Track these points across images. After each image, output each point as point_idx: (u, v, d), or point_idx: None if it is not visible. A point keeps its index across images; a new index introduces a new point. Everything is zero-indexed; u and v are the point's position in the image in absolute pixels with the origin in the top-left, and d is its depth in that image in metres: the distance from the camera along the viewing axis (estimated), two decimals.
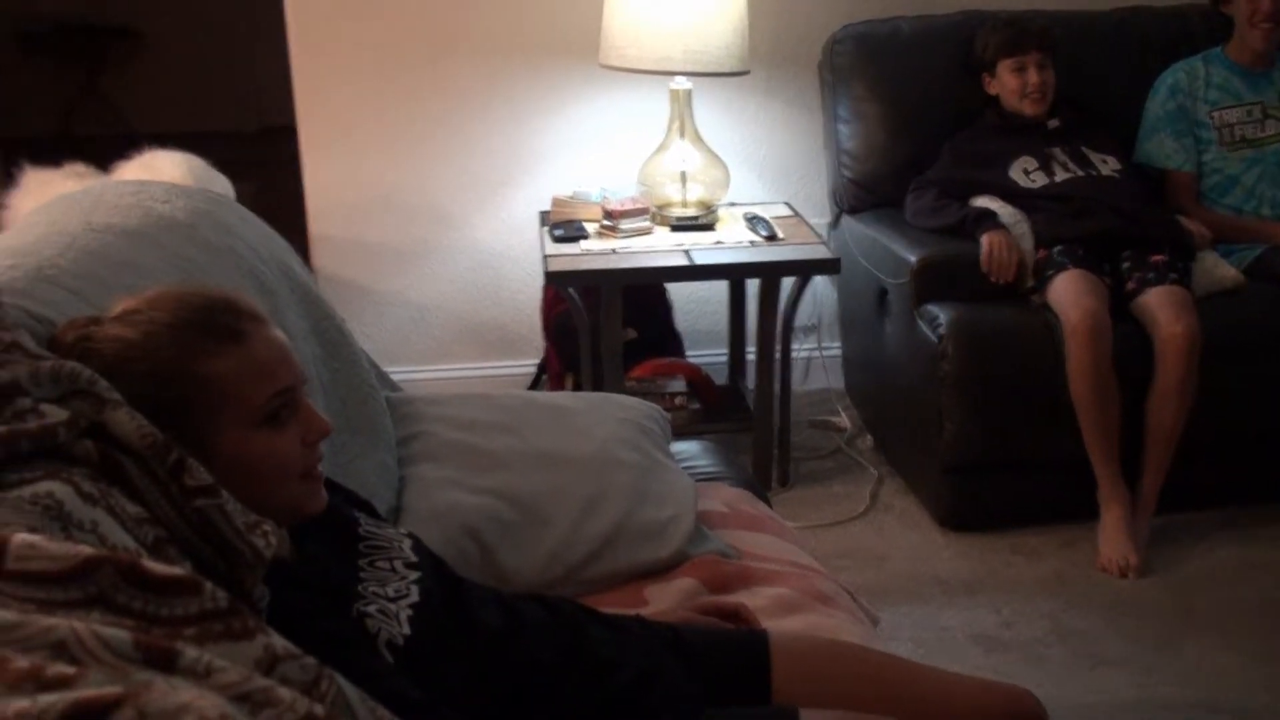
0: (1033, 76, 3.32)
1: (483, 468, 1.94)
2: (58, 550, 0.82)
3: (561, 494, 1.91)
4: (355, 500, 1.59)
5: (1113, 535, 2.98)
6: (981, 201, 3.24)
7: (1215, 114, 3.45)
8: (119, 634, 0.73)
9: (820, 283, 3.65)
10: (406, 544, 1.51)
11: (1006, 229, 3.13)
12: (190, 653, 0.74)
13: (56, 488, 1.05)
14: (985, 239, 3.08)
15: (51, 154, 3.23)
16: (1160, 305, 2.99)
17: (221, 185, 3.00)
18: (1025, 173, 3.28)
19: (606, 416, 2.11)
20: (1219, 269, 3.21)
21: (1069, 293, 2.97)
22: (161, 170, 2.92)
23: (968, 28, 3.50)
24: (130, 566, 0.82)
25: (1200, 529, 3.12)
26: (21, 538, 0.82)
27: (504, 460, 1.96)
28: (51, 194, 2.38)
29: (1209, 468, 3.13)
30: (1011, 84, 3.34)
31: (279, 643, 0.85)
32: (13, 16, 6.62)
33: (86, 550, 0.83)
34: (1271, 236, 3.33)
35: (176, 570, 0.84)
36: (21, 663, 0.67)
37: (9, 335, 1.25)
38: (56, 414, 1.16)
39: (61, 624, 0.72)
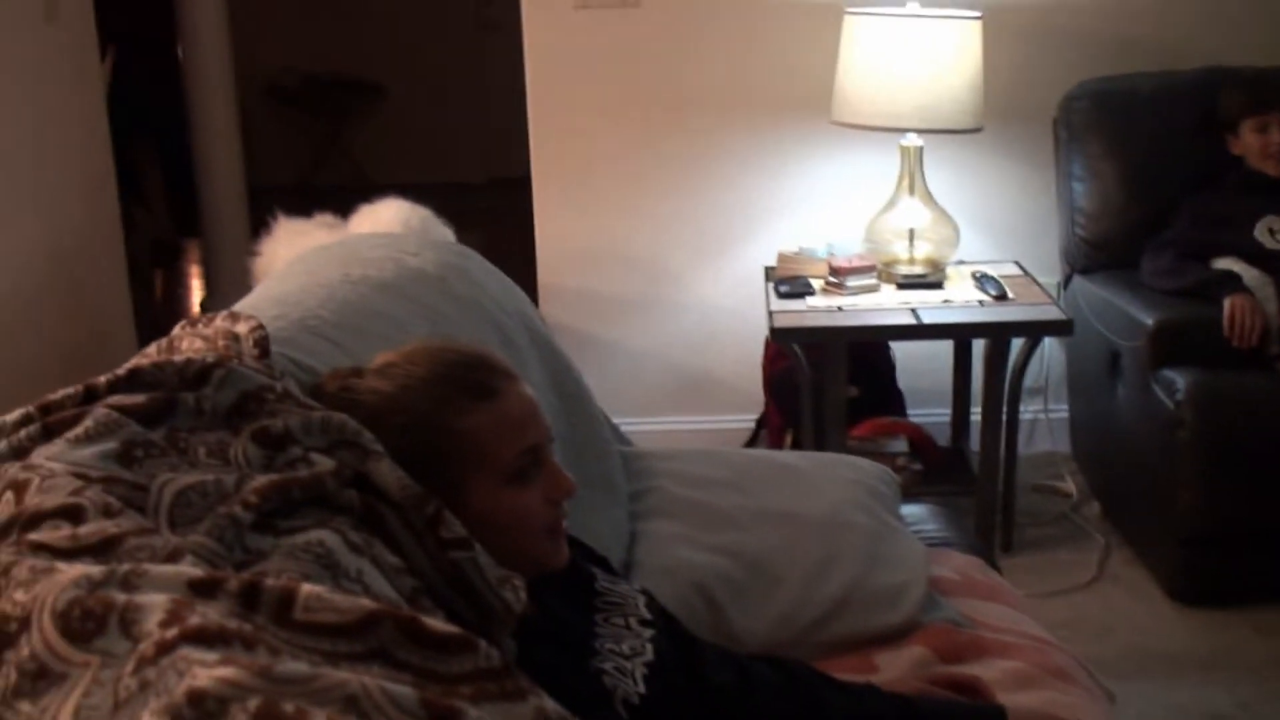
0: (1277, 135, 3.21)
1: (714, 525, 1.95)
2: (343, 603, 0.85)
3: (792, 554, 1.90)
4: (591, 555, 1.61)
5: None
6: (1223, 263, 3.14)
7: None
8: (405, 691, 0.76)
9: (1048, 343, 3.58)
10: (641, 601, 1.52)
11: (1251, 292, 3.01)
12: (472, 712, 0.76)
13: (327, 536, 1.09)
14: (1228, 302, 2.98)
15: (296, 203, 3.39)
16: None
17: (441, 233, 3.11)
18: (1271, 233, 3.16)
19: (837, 477, 2.10)
20: None
21: None
22: (385, 218, 3.04)
23: (1210, 85, 3.39)
24: (410, 622, 0.85)
25: None
26: (310, 588, 0.86)
27: (734, 518, 1.96)
28: (303, 243, 2.50)
29: None
30: (1255, 144, 3.24)
31: (550, 705, 0.86)
32: (265, 71, 6.98)
33: (370, 604, 0.86)
34: None
35: (453, 628, 0.87)
36: (318, 716, 0.70)
37: (281, 384, 1.31)
38: (324, 463, 1.21)
39: (352, 679, 0.75)
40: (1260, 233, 3.17)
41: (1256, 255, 3.13)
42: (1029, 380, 3.58)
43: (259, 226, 3.28)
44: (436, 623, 0.86)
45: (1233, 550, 3.00)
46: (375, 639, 0.84)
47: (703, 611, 1.80)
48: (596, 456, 1.97)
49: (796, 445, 3.31)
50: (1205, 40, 3.60)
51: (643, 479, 2.06)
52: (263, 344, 1.42)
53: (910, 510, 2.35)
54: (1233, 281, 3.04)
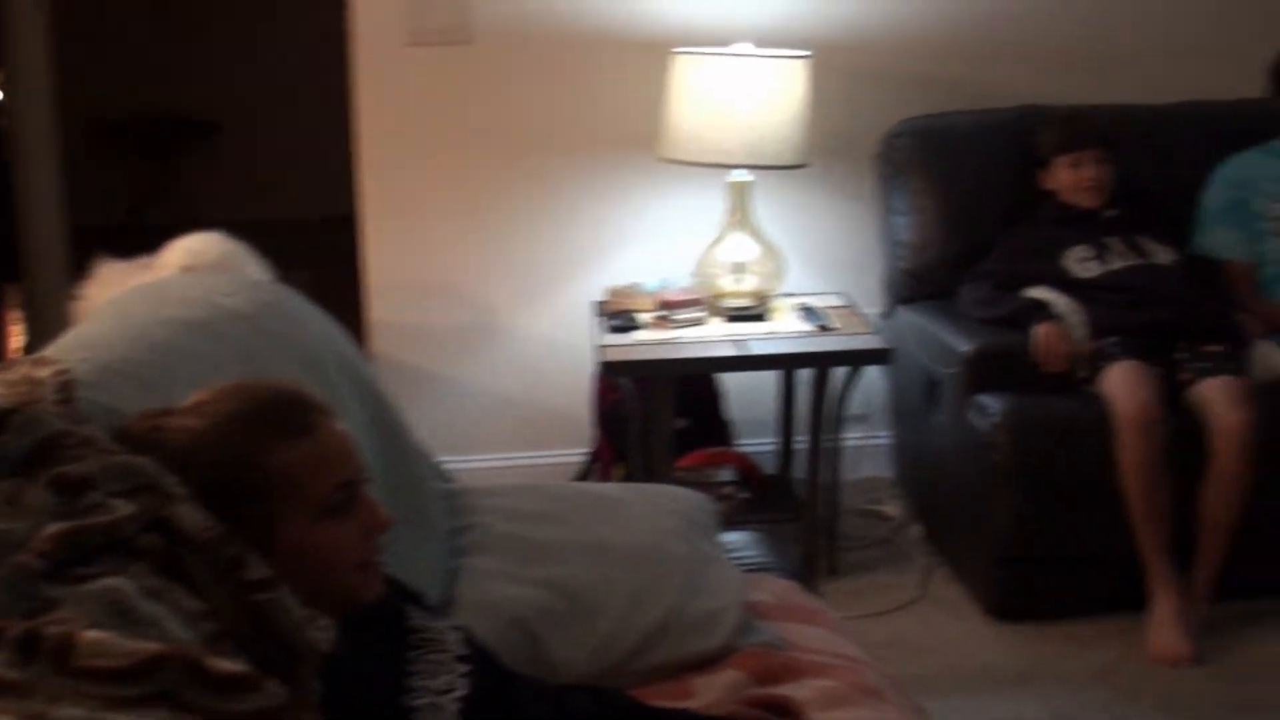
0: (1088, 171, 3.34)
1: (534, 559, 1.97)
2: (126, 647, 0.86)
3: (611, 585, 1.94)
4: (406, 593, 1.62)
5: (1165, 626, 2.96)
6: (1036, 292, 3.25)
7: (1273, 205, 3.46)
8: None
9: (872, 372, 3.66)
10: (457, 637, 1.53)
11: (1059, 319, 3.14)
12: None
13: (121, 583, 1.09)
14: (1038, 329, 3.10)
15: (124, 243, 3.32)
16: (1216, 396, 2.99)
17: (254, 270, 3.07)
18: (1080, 262, 3.29)
19: (657, 508, 2.14)
20: (1274, 358, 3.19)
21: (1122, 384, 2.98)
22: (197, 251, 2.99)
23: (1025, 123, 3.52)
24: (194, 663, 0.86)
25: (1255, 619, 3.09)
26: (90, 634, 0.86)
27: (555, 552, 1.99)
28: (123, 285, 2.46)
29: (1263, 557, 3.09)
30: (1067, 178, 3.37)
31: None
32: (93, 108, 6.81)
33: (153, 647, 0.87)
34: None
35: (238, 667, 0.88)
36: None
37: (83, 430, 1.30)
38: (124, 508, 1.21)
39: None
40: (1070, 262, 3.30)
41: (1067, 284, 3.26)
42: (854, 408, 3.67)
43: (83, 269, 3.21)
44: (223, 663, 0.87)
45: (1046, 567, 3.11)
46: (160, 681, 0.85)
47: (522, 645, 1.82)
48: (414, 494, 1.98)
49: (628, 477, 3.35)
50: (1020, 80, 3.76)
51: (464, 515, 2.08)
52: (67, 388, 1.41)
53: (731, 538, 2.40)
54: (1043, 310, 3.17)
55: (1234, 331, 3.19)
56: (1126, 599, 3.04)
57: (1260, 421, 2.93)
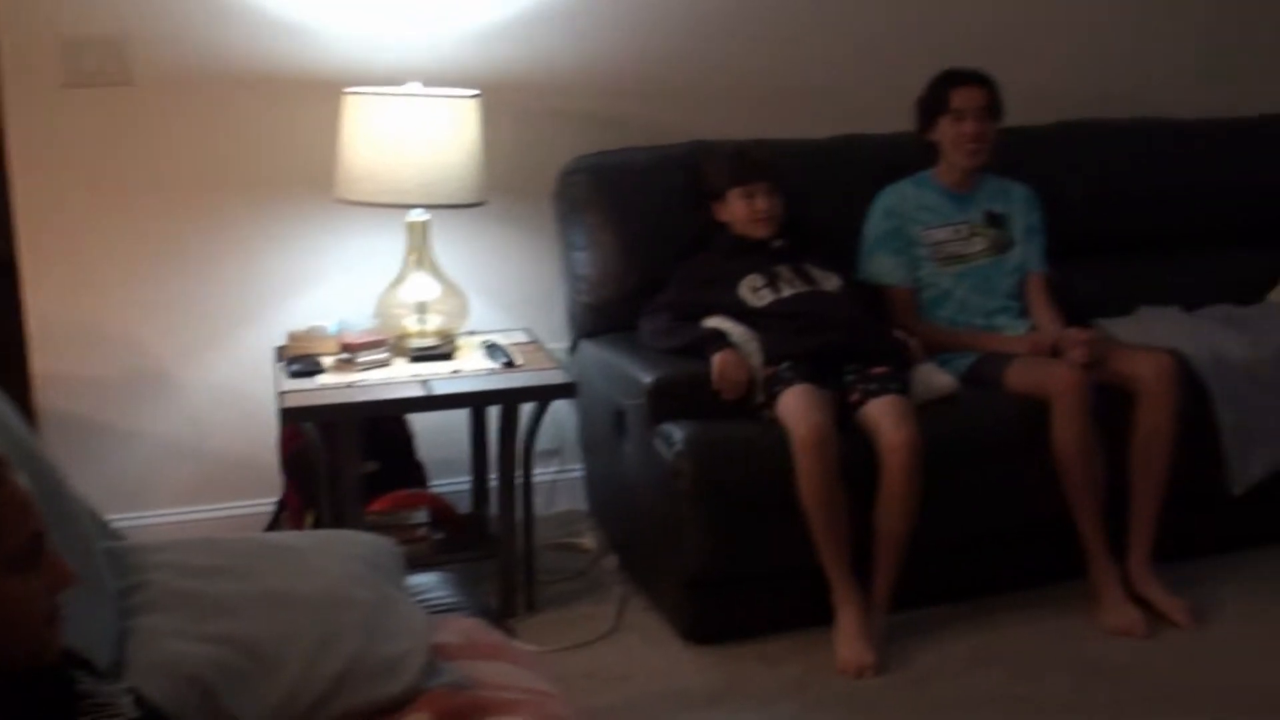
0: (760, 202, 3.47)
1: (210, 615, 1.90)
2: None
3: (292, 636, 1.88)
4: (73, 658, 1.54)
5: (848, 637, 3.08)
6: (713, 322, 3.35)
7: (927, 233, 3.67)
8: None
9: (562, 406, 3.71)
10: (129, 700, 1.47)
11: (736, 347, 3.24)
12: None
13: None
14: (715, 358, 3.19)
15: None
16: (882, 415, 3.14)
17: None
18: (753, 291, 3.41)
19: (337, 554, 2.10)
20: (935, 378, 3.38)
21: (796, 407, 3.09)
22: None
23: (696, 157, 3.64)
24: None
25: (932, 625, 3.25)
26: None
27: (232, 606, 1.92)
28: None
29: (936, 565, 3.27)
30: (741, 210, 3.48)
31: None
32: None
33: None
34: (983, 345, 3.54)
35: None
36: None
37: None
38: None
39: None
40: (743, 291, 3.41)
41: (741, 312, 3.37)
42: (547, 442, 3.70)
43: None
44: None
45: (736, 588, 3.20)
46: None
47: (198, 704, 1.75)
48: (78, 554, 1.88)
49: (318, 524, 3.28)
50: (689, 118, 3.88)
51: (134, 574, 1.98)
52: None
53: (422, 579, 2.38)
54: (720, 339, 3.27)
55: (898, 353, 3.36)
56: (814, 614, 3.16)
57: (924, 438, 3.09)
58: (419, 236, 3.36)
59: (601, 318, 3.61)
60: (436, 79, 3.48)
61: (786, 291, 3.40)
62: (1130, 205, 4.14)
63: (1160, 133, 4.26)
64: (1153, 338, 3.64)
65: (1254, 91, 4.54)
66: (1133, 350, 3.46)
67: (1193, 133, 4.29)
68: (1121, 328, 3.77)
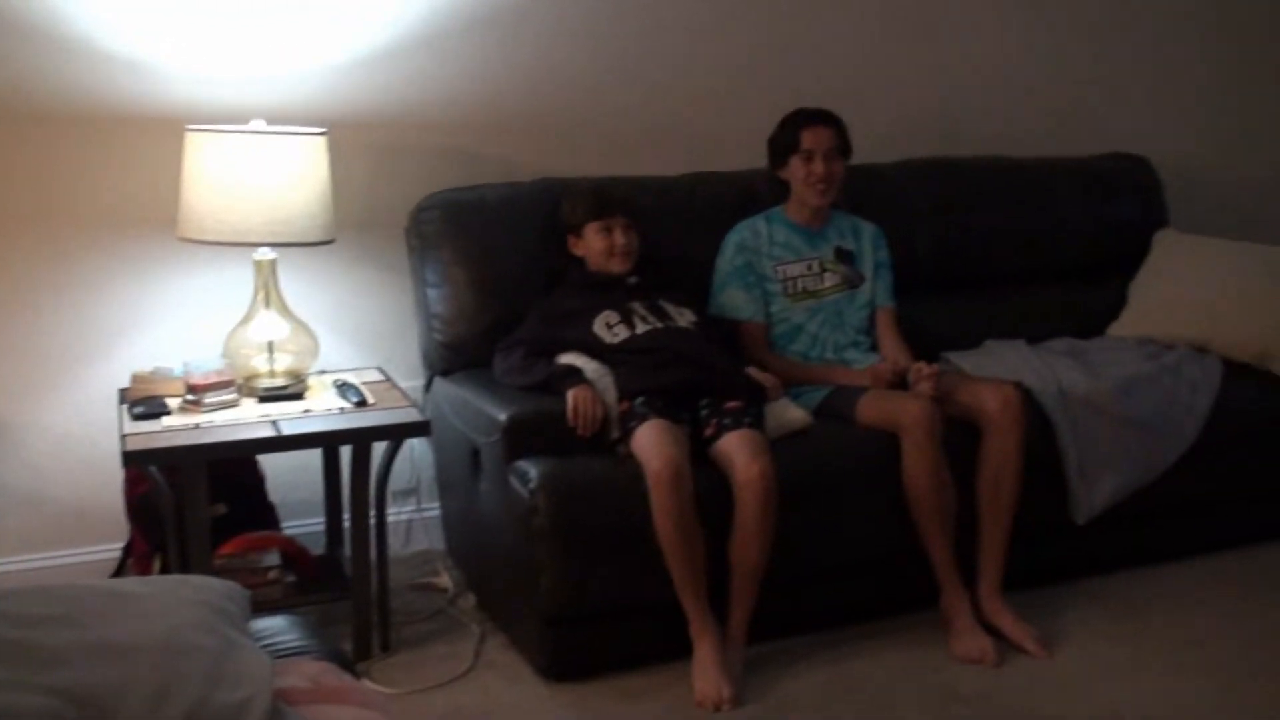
0: (619, 237, 3.49)
1: (43, 666, 1.83)
2: None
3: (129, 686, 1.82)
4: None
5: (706, 670, 3.08)
6: (567, 358, 3.35)
7: (779, 268, 3.72)
8: None
9: (418, 445, 3.68)
10: None
11: (591, 383, 3.24)
12: None
13: None
14: (570, 394, 3.19)
15: None
16: (736, 449, 3.15)
17: None
18: (608, 327, 3.42)
19: (179, 599, 2.04)
20: (789, 411, 3.42)
21: (650, 442, 3.10)
22: None
23: (550, 194, 3.66)
24: None
25: (789, 656, 3.27)
26: None
27: (66, 656, 1.85)
28: None
29: (792, 597, 3.30)
30: (599, 245, 3.50)
31: None
32: None
33: None
34: (832, 379, 3.59)
35: None
36: None
37: None
38: None
39: None
40: (598, 327, 3.41)
41: (597, 349, 3.38)
42: (402, 482, 3.67)
43: None
44: None
45: (595, 624, 3.17)
46: None
47: None
48: None
49: (165, 570, 3.20)
50: (542, 156, 3.92)
51: None
52: None
53: (270, 623, 2.32)
54: (575, 375, 3.26)
55: (751, 387, 3.39)
56: (673, 649, 3.16)
57: (778, 471, 3.12)
58: (266, 275, 3.31)
59: (456, 355, 3.59)
60: (284, 117, 3.45)
61: (641, 327, 3.41)
62: (975, 241, 4.26)
63: (1004, 172, 4.38)
64: (999, 370, 3.74)
65: (1094, 132, 4.70)
66: (979, 383, 3.54)
67: (1035, 172, 4.42)
68: (969, 361, 3.86)
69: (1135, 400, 3.72)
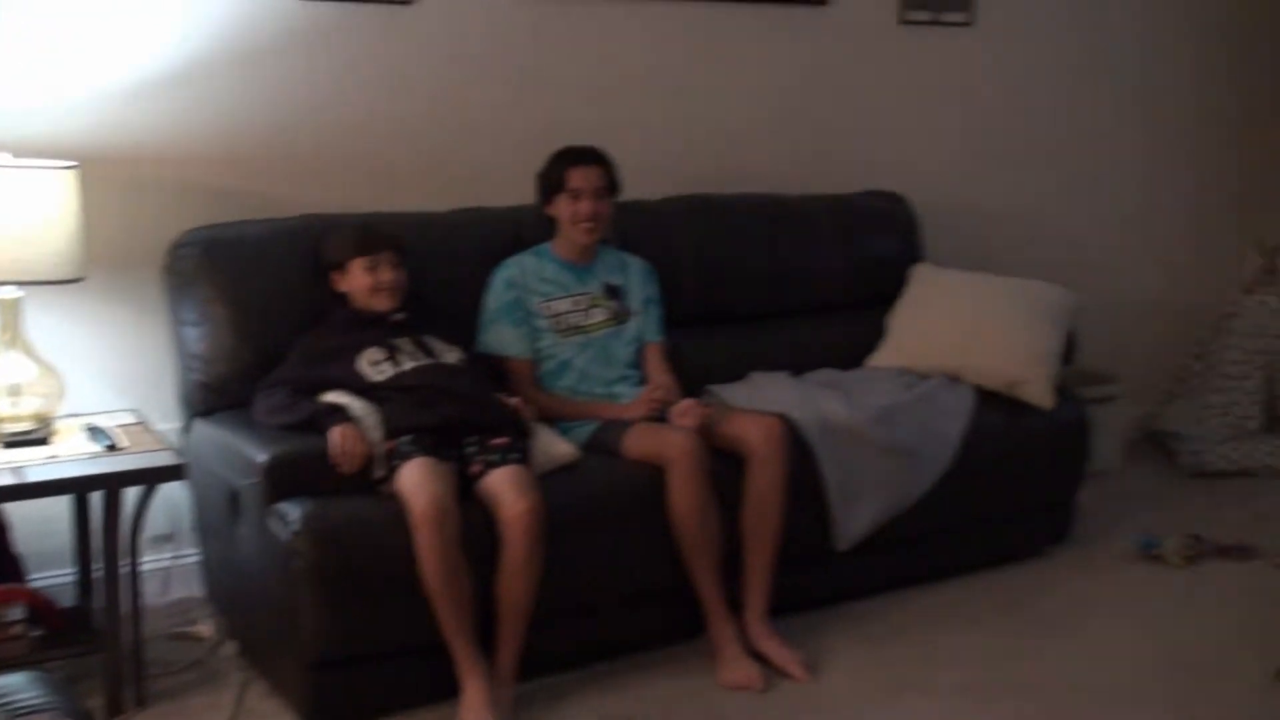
0: (385, 274, 3.45)
1: None
2: None
3: None
4: None
5: (474, 710, 3.05)
6: (332, 396, 3.29)
7: (547, 304, 3.74)
8: None
9: (176, 489, 3.55)
10: None
11: (355, 421, 3.19)
12: None
13: None
14: (333, 432, 3.14)
15: None
16: (503, 485, 3.15)
17: None
18: (373, 364, 3.37)
19: None
20: (555, 446, 3.44)
21: (415, 481, 3.07)
22: None
23: (313, 230, 3.60)
24: None
25: (560, 691, 3.28)
26: None
27: None
28: None
29: (561, 632, 3.30)
30: (364, 282, 3.45)
31: None
32: None
33: None
34: (599, 413, 3.62)
35: None
36: None
37: None
38: None
39: None
40: (363, 365, 3.37)
41: (361, 387, 3.33)
42: (160, 528, 3.55)
43: None
44: None
45: (361, 667, 3.12)
46: None
47: None
48: None
49: None
50: (304, 191, 3.85)
51: None
52: None
53: (9, 681, 2.22)
54: (339, 413, 3.21)
55: (518, 424, 3.39)
56: (441, 690, 3.12)
57: (545, 506, 3.12)
58: (10, 314, 3.17)
59: (216, 395, 3.49)
60: (33, 150, 3.31)
61: (407, 365, 3.38)
62: (739, 276, 4.34)
63: (767, 208, 4.47)
64: (763, 402, 3.82)
65: (855, 170, 4.84)
66: (743, 414, 3.62)
67: (797, 208, 4.53)
68: (734, 393, 3.94)
69: (893, 428, 3.84)
